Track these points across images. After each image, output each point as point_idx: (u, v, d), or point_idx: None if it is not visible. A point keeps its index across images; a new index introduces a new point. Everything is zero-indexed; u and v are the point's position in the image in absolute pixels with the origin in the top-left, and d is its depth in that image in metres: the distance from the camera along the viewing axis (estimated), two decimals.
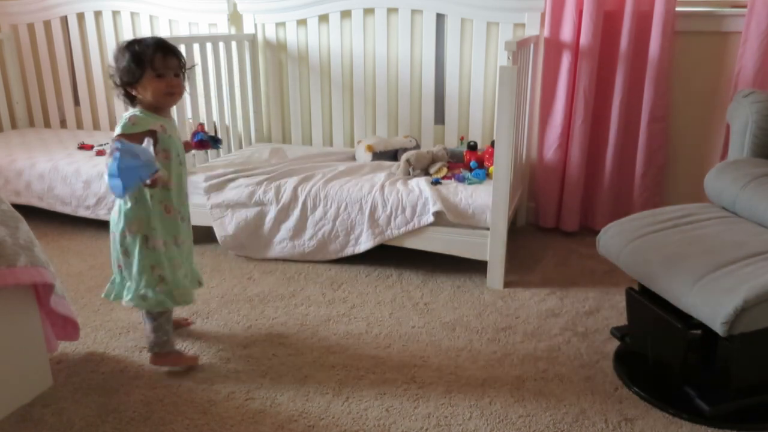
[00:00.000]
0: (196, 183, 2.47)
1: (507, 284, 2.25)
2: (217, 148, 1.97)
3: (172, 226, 1.69)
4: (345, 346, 1.86)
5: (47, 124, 3.62)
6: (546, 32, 2.58)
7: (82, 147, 3.01)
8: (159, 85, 1.59)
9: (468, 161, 2.55)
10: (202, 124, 1.95)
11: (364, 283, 2.28)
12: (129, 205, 1.63)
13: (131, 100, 1.65)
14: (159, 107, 1.65)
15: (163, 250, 1.67)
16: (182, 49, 2.44)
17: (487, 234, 2.19)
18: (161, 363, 1.74)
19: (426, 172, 2.51)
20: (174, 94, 1.64)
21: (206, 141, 1.89)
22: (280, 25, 3.01)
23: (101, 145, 3.04)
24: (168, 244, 1.68)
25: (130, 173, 1.42)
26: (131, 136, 1.55)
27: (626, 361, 1.75)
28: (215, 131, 2.73)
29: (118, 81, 1.62)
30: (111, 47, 3.27)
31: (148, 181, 1.47)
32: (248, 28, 3.03)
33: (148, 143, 1.51)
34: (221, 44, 2.80)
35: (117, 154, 1.40)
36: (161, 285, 1.67)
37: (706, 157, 2.62)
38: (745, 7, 2.37)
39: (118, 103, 3.33)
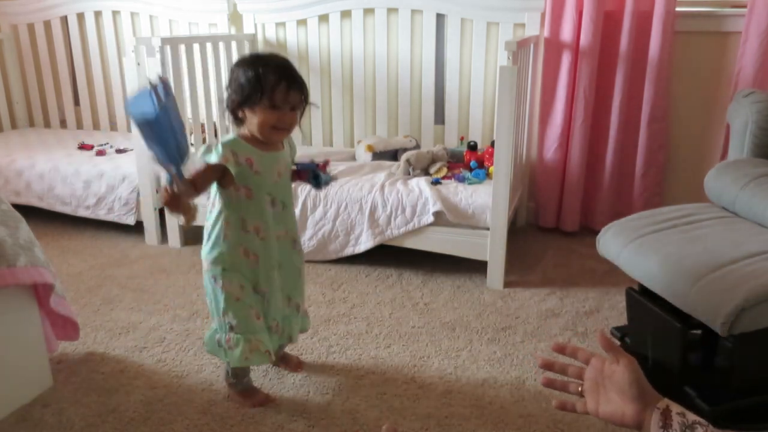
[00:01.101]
0: None
1: (507, 284, 2.25)
2: (318, 188, 1.62)
3: (251, 271, 1.49)
4: (345, 346, 1.86)
5: (47, 124, 3.62)
6: (546, 32, 2.58)
7: (82, 147, 3.01)
8: (269, 118, 1.39)
9: (468, 161, 2.55)
10: (328, 161, 1.62)
11: (364, 283, 2.28)
12: (211, 236, 1.48)
13: (238, 120, 1.44)
14: (261, 139, 1.43)
15: (238, 293, 1.47)
16: (182, 49, 2.46)
17: (487, 234, 2.19)
18: (232, 398, 1.61)
19: (426, 172, 2.51)
20: (283, 130, 1.44)
21: (303, 172, 1.58)
22: (280, 25, 3.01)
23: (101, 145, 3.05)
24: (245, 288, 1.48)
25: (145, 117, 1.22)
26: (207, 165, 1.39)
27: None
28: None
29: (232, 97, 1.42)
30: (111, 47, 3.28)
31: (164, 181, 1.31)
32: (248, 28, 3.03)
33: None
34: (221, 44, 2.79)
35: (155, 99, 1.21)
36: (231, 333, 1.49)
37: (706, 157, 2.62)
38: (745, 7, 2.37)
39: (118, 103, 3.33)
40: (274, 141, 1.46)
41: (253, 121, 1.40)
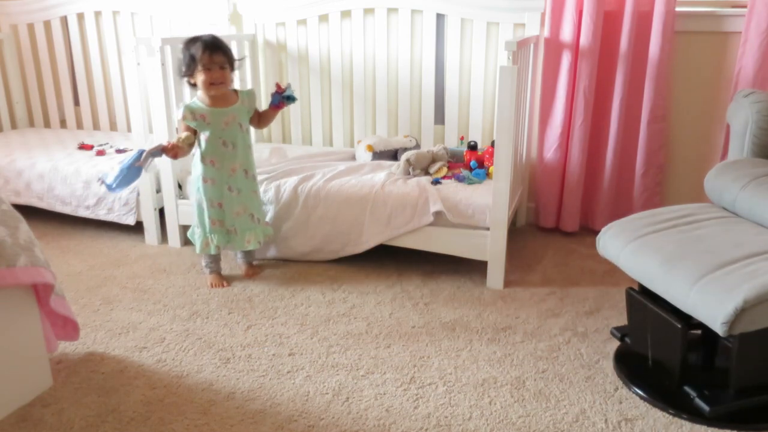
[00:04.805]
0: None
1: (507, 284, 2.25)
2: (294, 100, 2.17)
3: (211, 191, 2.15)
4: (345, 346, 1.86)
5: (47, 124, 3.62)
6: (546, 32, 2.58)
7: (82, 147, 3.01)
8: (205, 76, 2.02)
9: (468, 161, 2.55)
10: (278, 84, 2.16)
11: (364, 283, 2.28)
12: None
13: (194, 87, 2.10)
14: (208, 95, 2.06)
15: (203, 206, 2.16)
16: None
17: (487, 234, 2.19)
18: (208, 280, 2.27)
19: (426, 172, 2.51)
20: (216, 84, 2.03)
21: (277, 104, 2.15)
22: (280, 25, 3.01)
23: (101, 145, 3.05)
24: (206, 203, 2.15)
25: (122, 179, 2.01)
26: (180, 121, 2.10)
27: (626, 361, 1.75)
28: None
29: (180, 72, 2.09)
30: (111, 47, 3.28)
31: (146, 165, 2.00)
32: (248, 28, 3.03)
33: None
34: None
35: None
36: (197, 230, 2.22)
37: (706, 157, 2.62)
38: (745, 7, 2.37)
39: (118, 102, 3.34)
40: (217, 93, 2.07)
41: (199, 83, 2.04)
